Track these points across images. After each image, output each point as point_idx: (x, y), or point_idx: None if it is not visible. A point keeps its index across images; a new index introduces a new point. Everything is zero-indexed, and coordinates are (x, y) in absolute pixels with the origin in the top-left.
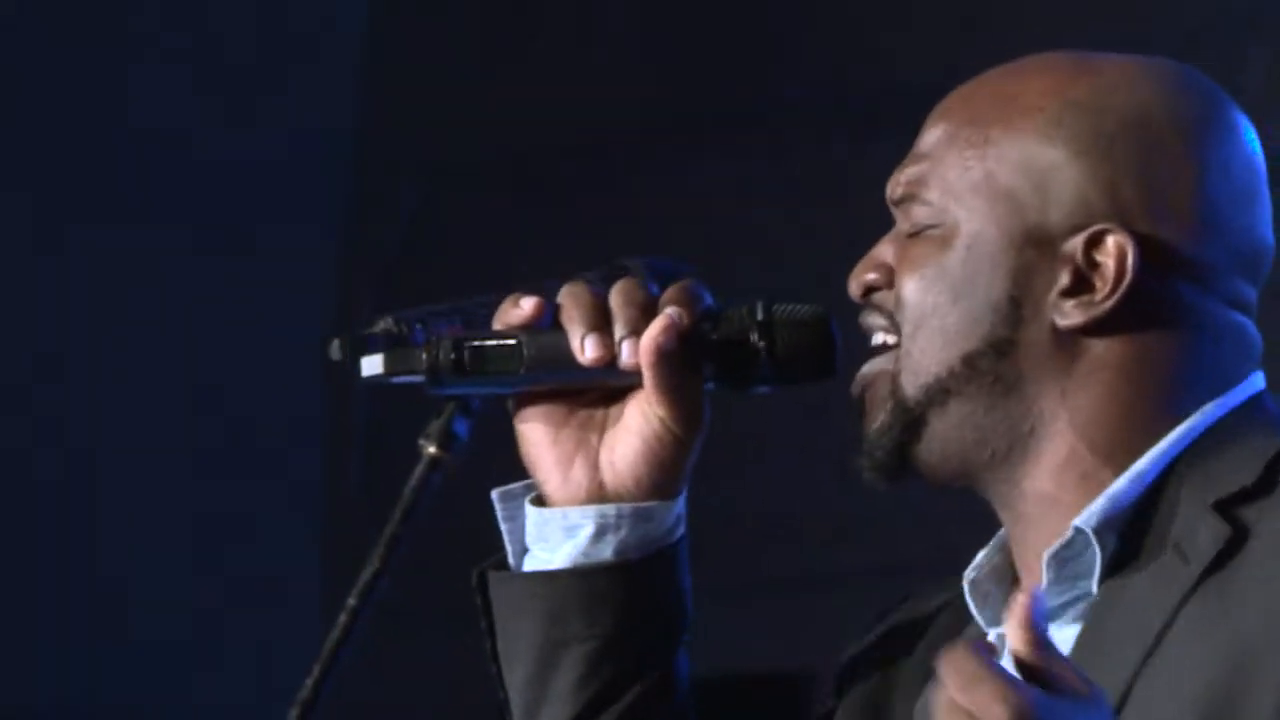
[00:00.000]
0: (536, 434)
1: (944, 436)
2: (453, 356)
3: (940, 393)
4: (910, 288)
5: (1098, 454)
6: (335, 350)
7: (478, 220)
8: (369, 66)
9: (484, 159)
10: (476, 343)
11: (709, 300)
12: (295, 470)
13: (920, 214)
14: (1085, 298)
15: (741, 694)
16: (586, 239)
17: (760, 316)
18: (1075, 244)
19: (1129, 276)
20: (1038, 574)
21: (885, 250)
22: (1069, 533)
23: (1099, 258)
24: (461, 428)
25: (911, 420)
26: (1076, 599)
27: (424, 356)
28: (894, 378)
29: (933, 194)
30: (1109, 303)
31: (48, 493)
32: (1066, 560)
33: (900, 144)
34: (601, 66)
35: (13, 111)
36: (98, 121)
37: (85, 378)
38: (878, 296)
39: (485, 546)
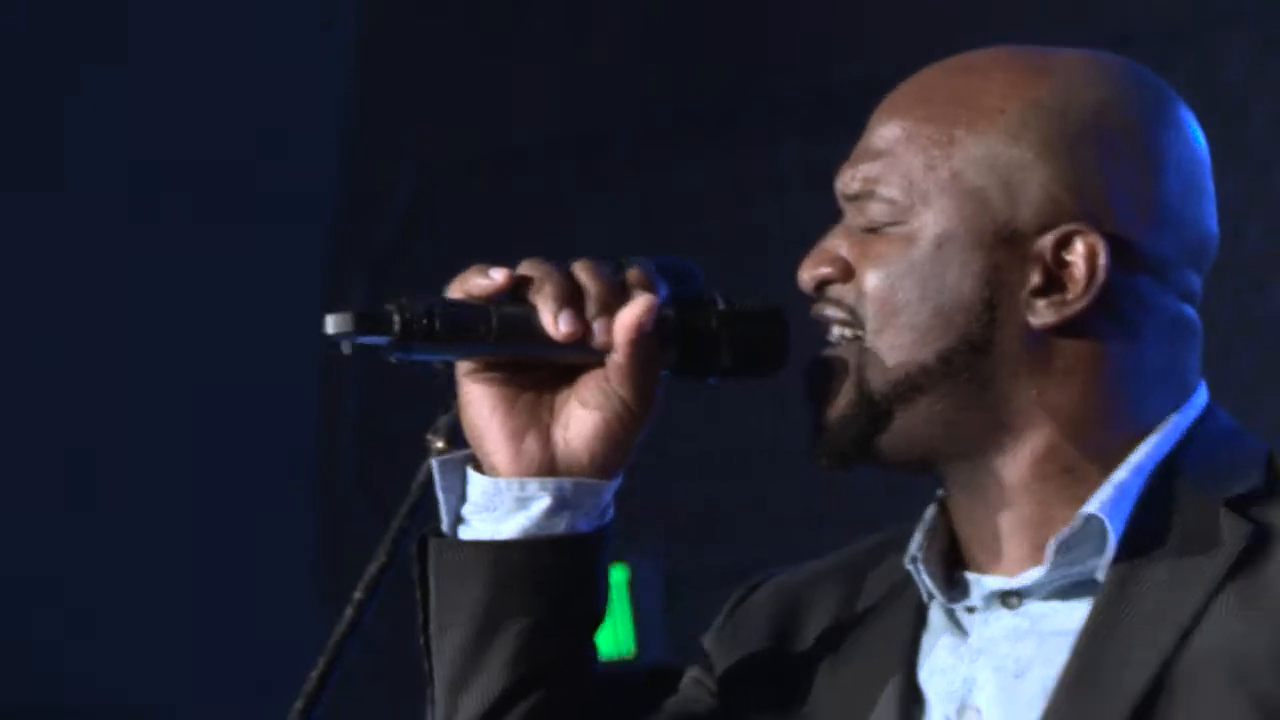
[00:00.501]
0: (487, 407)
1: (910, 430)
2: (424, 321)
3: (910, 388)
4: (876, 284)
5: (1080, 448)
6: (330, 325)
7: (470, 216)
8: (363, 63)
9: (477, 155)
10: (447, 308)
11: (666, 289)
12: (289, 464)
13: (879, 211)
14: (1057, 297)
15: None
16: (579, 234)
17: (722, 307)
18: (1045, 244)
19: (1100, 277)
20: (999, 554)
21: (838, 244)
22: (1078, 520)
23: (1068, 258)
24: None
25: (877, 414)
26: (1072, 581)
27: (395, 318)
28: (858, 371)
29: (893, 191)
30: (1081, 303)
31: (42, 489)
32: (1071, 546)
33: None
34: (595, 65)
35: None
36: (98, 119)
37: (79, 372)
38: (833, 290)
39: None
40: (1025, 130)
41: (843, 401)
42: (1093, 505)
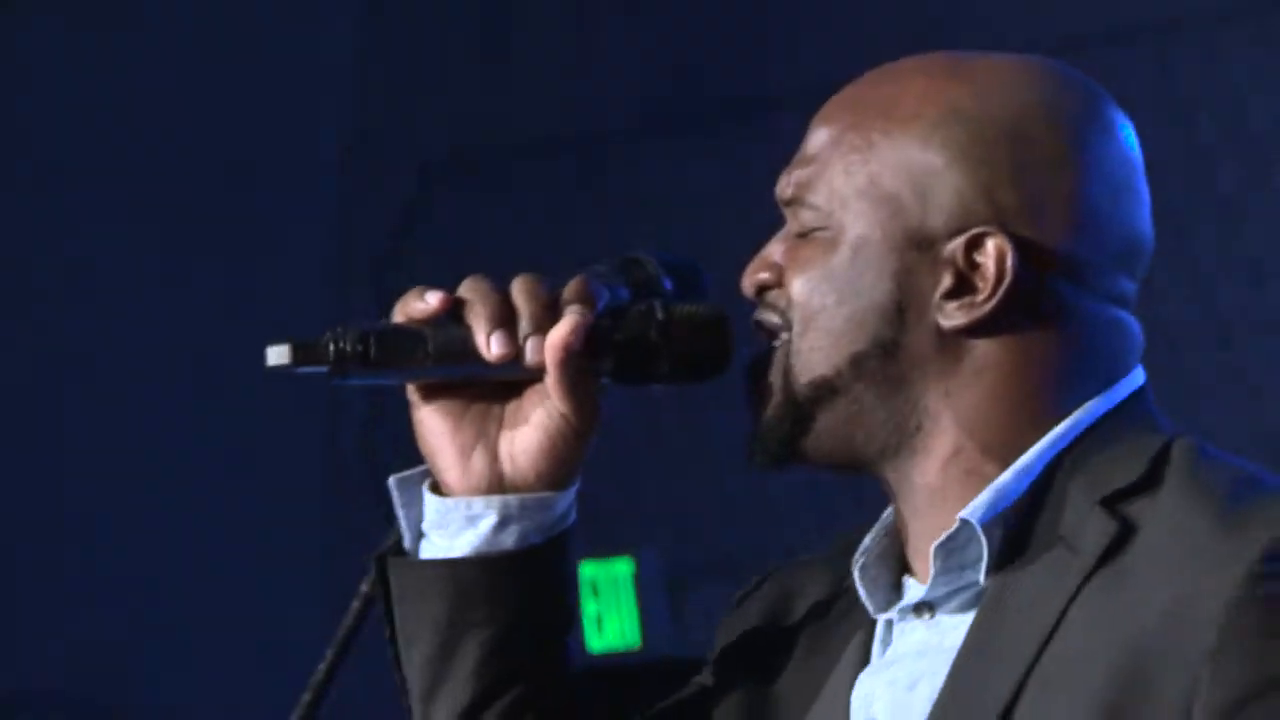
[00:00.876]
0: (437, 425)
1: (831, 431)
2: (359, 348)
3: (828, 391)
4: (799, 288)
5: (982, 450)
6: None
7: (470, 215)
8: (362, 64)
9: (477, 154)
10: (381, 335)
11: (607, 297)
12: (296, 461)
13: (808, 217)
14: (967, 299)
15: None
16: (579, 233)
17: (660, 315)
18: (955, 247)
19: (1008, 278)
20: (926, 561)
21: (776, 249)
22: (955, 524)
23: (979, 259)
24: None
25: (801, 415)
26: (962, 589)
27: (330, 348)
28: (785, 373)
29: (819, 198)
30: (989, 304)
31: (47, 487)
32: (952, 551)
33: None
34: (595, 62)
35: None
36: (97, 119)
37: (84, 374)
38: (770, 295)
39: None
40: (938, 135)
41: (772, 404)
42: (967, 510)
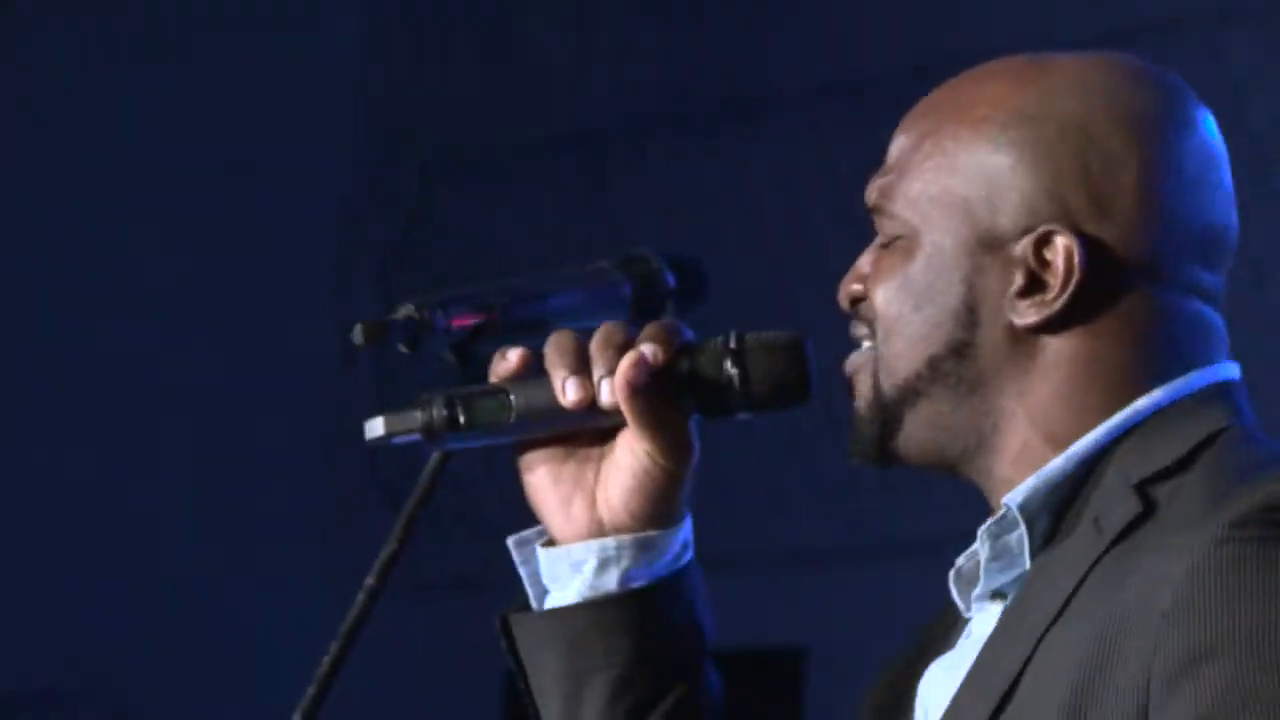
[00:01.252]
0: (539, 478)
1: (918, 435)
2: (445, 413)
3: (911, 394)
4: (880, 299)
5: (1048, 442)
6: (357, 335)
7: (475, 212)
8: (367, 61)
9: (482, 151)
10: (467, 398)
11: (687, 334)
12: (298, 456)
13: (889, 226)
14: (1038, 297)
15: (737, 669)
16: (581, 230)
17: (732, 346)
18: (1025, 246)
19: (1077, 275)
20: None
21: (865, 259)
22: (1002, 509)
23: (1048, 257)
24: None
25: (889, 418)
26: (1017, 575)
27: (419, 416)
28: (874, 378)
29: (898, 206)
30: (1060, 301)
31: (47, 486)
32: (999, 535)
33: None
34: (595, 62)
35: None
36: (98, 120)
37: (89, 371)
38: (862, 307)
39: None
40: (1005, 136)
41: (864, 401)
42: (1010, 494)
